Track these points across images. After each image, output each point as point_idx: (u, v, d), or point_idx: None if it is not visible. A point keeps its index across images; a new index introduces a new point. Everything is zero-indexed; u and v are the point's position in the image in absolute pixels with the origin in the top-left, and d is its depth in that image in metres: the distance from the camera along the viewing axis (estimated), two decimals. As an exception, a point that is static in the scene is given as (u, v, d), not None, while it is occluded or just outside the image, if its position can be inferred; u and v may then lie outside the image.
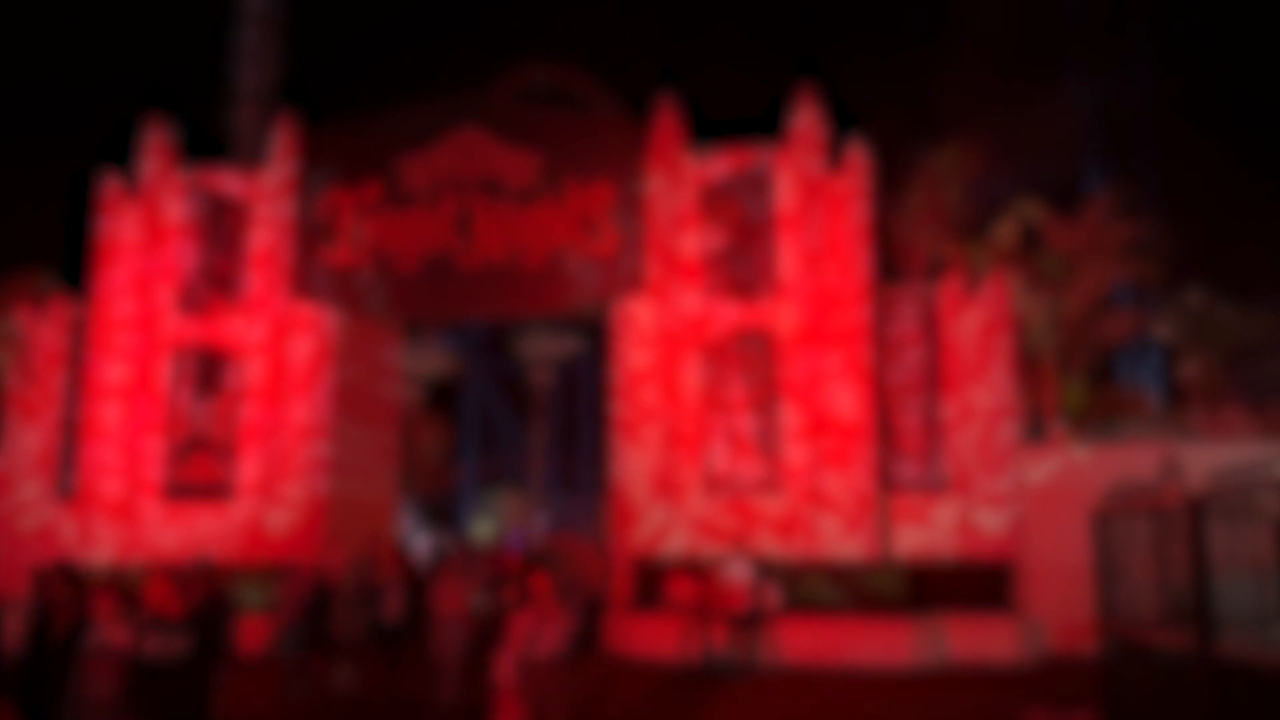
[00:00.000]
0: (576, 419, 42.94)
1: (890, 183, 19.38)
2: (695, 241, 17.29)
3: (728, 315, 17.06)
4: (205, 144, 20.19)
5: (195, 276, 18.67)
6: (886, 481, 16.58)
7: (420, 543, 30.58)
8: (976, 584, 15.98)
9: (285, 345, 18.31)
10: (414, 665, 12.77)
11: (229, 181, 18.99)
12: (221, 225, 18.83)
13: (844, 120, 17.31)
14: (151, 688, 6.44)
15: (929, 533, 16.43)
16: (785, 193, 17.10)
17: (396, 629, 12.69)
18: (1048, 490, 16.48)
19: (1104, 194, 21.29)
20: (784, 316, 16.84)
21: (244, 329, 18.38)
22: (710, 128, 17.66)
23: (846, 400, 16.40)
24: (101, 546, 17.63)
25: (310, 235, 18.43)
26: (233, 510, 17.77)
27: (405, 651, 12.90)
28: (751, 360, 16.94)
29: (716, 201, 17.37)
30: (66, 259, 20.45)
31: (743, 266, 17.16)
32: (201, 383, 18.36)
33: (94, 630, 6.95)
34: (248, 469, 17.88)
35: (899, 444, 16.87)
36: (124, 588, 16.18)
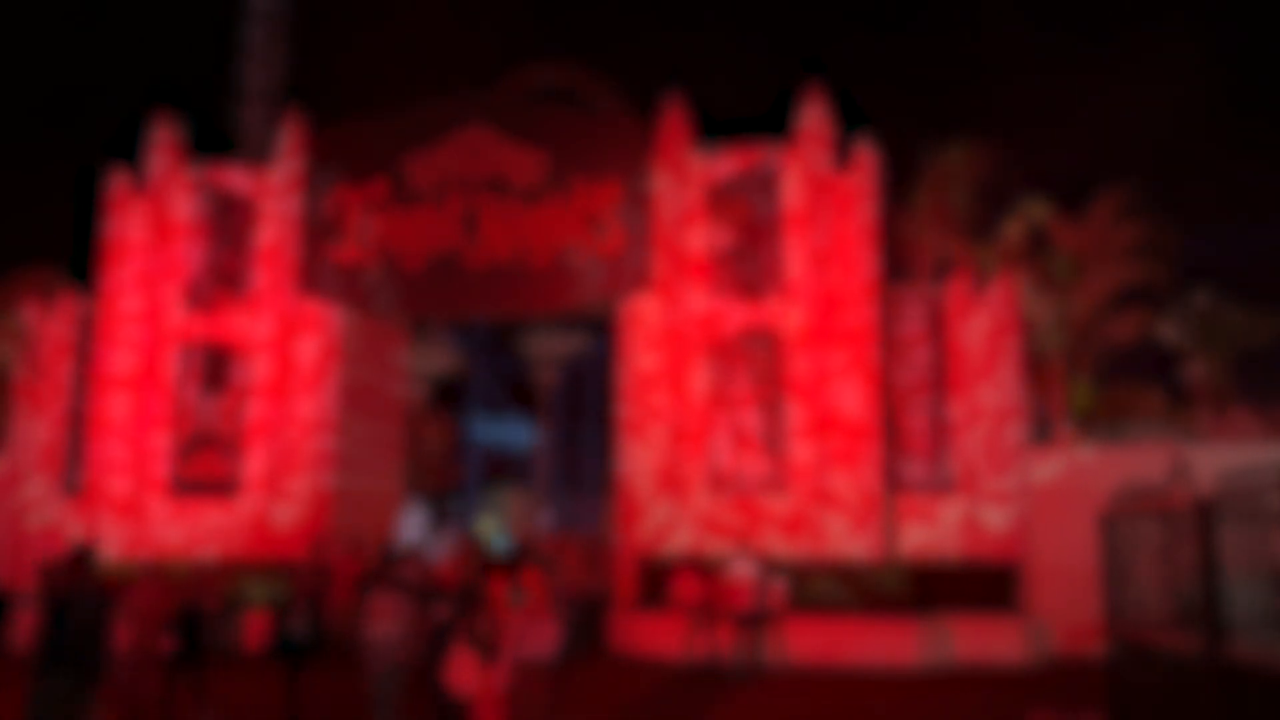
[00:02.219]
0: (582, 417, 42.89)
1: (897, 182, 19.34)
2: (702, 240, 17.28)
3: (734, 314, 17.05)
4: (213, 141, 20.20)
5: (202, 273, 18.71)
6: (893, 481, 16.56)
7: (411, 527, 30.24)
8: (982, 584, 15.97)
9: (292, 342, 18.35)
10: (317, 691, 11.26)
11: (236, 179, 19.03)
12: (229, 222, 18.86)
13: (852, 119, 17.29)
14: None
15: (935, 533, 16.41)
16: (792, 192, 17.08)
17: (301, 646, 11.07)
18: (1054, 491, 16.45)
19: (1111, 194, 21.19)
20: (791, 315, 16.82)
21: (250, 326, 18.41)
22: (717, 126, 17.64)
23: (853, 399, 16.38)
24: (108, 543, 17.66)
25: (317, 233, 18.46)
26: (239, 506, 17.80)
27: (305, 673, 11.10)
28: (758, 359, 16.92)
29: (723, 200, 17.35)
30: (74, 255, 20.49)
31: (749, 265, 17.14)
32: (208, 379, 18.40)
33: None
34: (254, 465, 17.92)
35: (905, 444, 16.85)
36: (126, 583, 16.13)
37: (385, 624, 10.20)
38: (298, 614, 11.22)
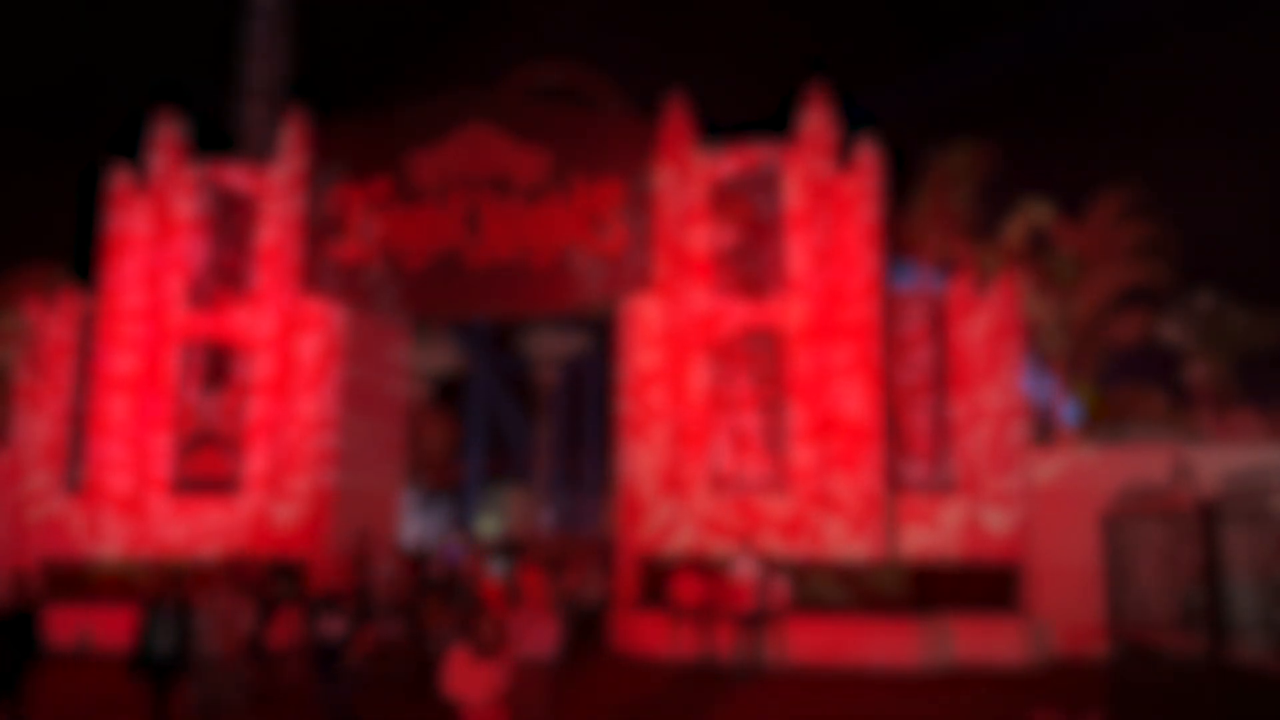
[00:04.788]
0: (582, 416, 42.92)
1: (900, 183, 19.32)
2: (704, 239, 17.26)
3: (736, 314, 17.03)
4: (215, 139, 20.18)
5: (204, 271, 18.70)
6: (894, 481, 16.54)
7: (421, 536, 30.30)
8: (983, 585, 15.95)
9: (293, 340, 18.34)
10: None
11: (238, 177, 19.02)
12: (230, 220, 18.86)
13: (854, 120, 17.26)
14: None
15: (936, 533, 16.39)
16: (794, 192, 17.06)
17: (163, 659, 9.68)
18: (1055, 492, 16.43)
19: (1113, 195, 21.17)
20: (792, 315, 16.81)
21: (252, 324, 18.41)
22: (720, 127, 17.61)
23: (855, 400, 16.36)
24: (109, 540, 17.66)
25: (319, 231, 18.46)
26: (240, 504, 17.80)
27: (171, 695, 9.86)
28: (759, 359, 16.91)
29: (726, 200, 17.33)
30: (76, 253, 20.49)
31: (752, 265, 17.13)
32: (210, 377, 18.39)
33: None
34: (255, 463, 17.91)
35: (906, 444, 16.84)
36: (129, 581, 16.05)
37: (230, 638, 9.78)
38: (165, 621, 9.56)
